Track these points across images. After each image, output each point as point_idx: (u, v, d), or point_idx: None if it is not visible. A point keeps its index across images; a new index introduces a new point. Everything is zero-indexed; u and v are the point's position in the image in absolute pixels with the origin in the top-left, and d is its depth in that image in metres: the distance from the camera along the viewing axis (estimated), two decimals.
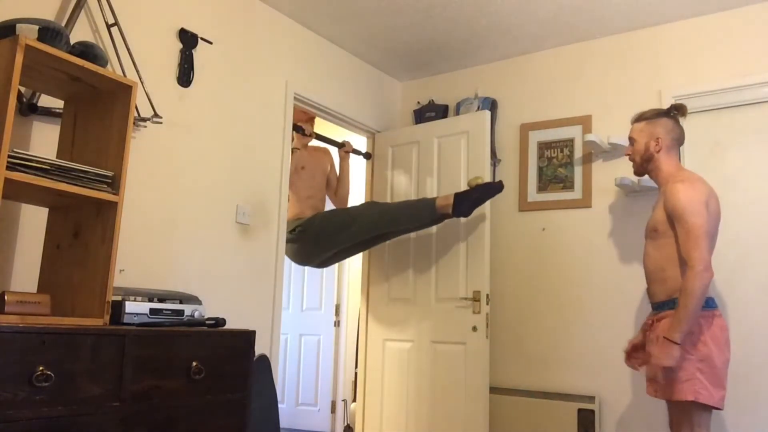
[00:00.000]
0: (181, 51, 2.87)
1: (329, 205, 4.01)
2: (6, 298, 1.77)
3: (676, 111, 2.68)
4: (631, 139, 2.70)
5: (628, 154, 2.73)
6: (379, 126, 4.14)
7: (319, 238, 3.49)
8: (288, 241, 3.46)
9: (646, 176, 3.12)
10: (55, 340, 1.68)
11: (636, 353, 2.64)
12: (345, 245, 3.51)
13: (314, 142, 3.93)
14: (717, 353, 2.33)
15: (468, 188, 3.29)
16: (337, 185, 4.03)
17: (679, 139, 2.65)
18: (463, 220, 3.57)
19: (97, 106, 2.14)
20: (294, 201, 3.63)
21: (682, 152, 3.27)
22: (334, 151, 4.07)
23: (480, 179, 3.26)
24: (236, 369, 2.20)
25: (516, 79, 3.89)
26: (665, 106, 3.32)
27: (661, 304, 2.49)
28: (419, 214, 3.36)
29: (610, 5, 3.25)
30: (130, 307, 2.08)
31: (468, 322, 3.47)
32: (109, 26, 2.52)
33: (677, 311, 2.33)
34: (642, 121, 2.68)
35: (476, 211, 3.51)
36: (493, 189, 3.30)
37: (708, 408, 2.33)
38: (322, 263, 3.78)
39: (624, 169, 3.36)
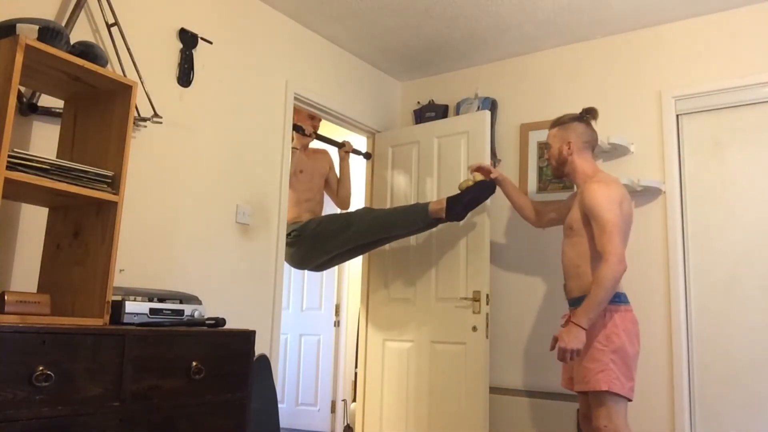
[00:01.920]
0: (181, 51, 2.87)
1: (329, 207, 4.00)
2: (6, 298, 1.77)
3: (588, 114, 2.83)
4: (547, 144, 2.87)
5: (546, 158, 2.87)
6: (379, 126, 4.14)
7: (314, 242, 3.50)
8: (285, 244, 3.47)
9: (650, 178, 3.16)
10: (55, 340, 1.68)
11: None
12: (340, 250, 3.52)
13: (314, 143, 3.93)
14: (629, 345, 2.47)
15: (459, 191, 3.25)
16: (338, 186, 4.03)
17: (591, 142, 2.80)
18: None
19: (97, 106, 2.14)
20: (292, 204, 3.63)
21: (683, 152, 3.30)
22: (333, 152, 4.06)
23: (470, 181, 3.23)
24: (236, 369, 2.20)
25: (516, 79, 3.88)
26: (665, 106, 3.34)
27: (576, 300, 2.61)
28: (413, 219, 3.36)
29: (610, 5, 3.25)
30: (130, 307, 2.08)
31: (468, 322, 3.47)
32: (109, 26, 2.52)
33: (587, 298, 2.46)
34: (556, 127, 2.84)
35: (476, 212, 3.52)
36: (485, 189, 3.25)
37: (623, 398, 2.44)
38: (319, 267, 3.79)
39: (624, 169, 3.37)
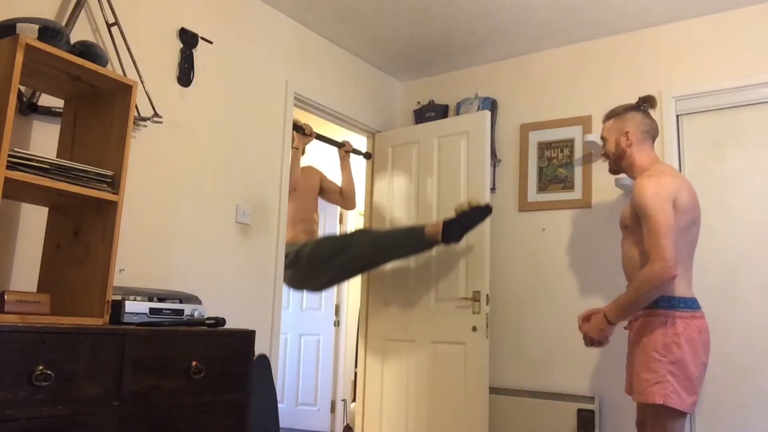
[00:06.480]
0: (181, 50, 2.87)
1: (332, 207, 3.95)
2: (6, 297, 1.77)
3: (645, 103, 2.64)
4: (603, 139, 2.65)
5: (603, 154, 2.68)
6: (379, 126, 4.14)
7: (310, 266, 3.49)
8: (284, 266, 3.44)
9: None
10: (55, 339, 1.68)
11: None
12: (336, 272, 3.55)
13: (309, 154, 3.89)
14: (691, 357, 2.25)
15: (455, 214, 3.24)
16: (342, 185, 4.00)
17: (651, 132, 2.58)
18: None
19: (97, 105, 2.14)
20: (288, 224, 3.56)
21: (683, 152, 3.30)
22: (333, 152, 4.04)
23: (466, 205, 3.22)
24: (236, 369, 2.20)
25: (516, 79, 3.89)
26: (665, 106, 3.34)
27: None
28: (409, 243, 3.40)
29: (610, 6, 3.25)
30: (130, 306, 2.08)
31: (468, 322, 3.47)
32: (109, 26, 2.52)
33: (622, 295, 2.32)
34: (611, 119, 2.63)
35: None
36: (481, 212, 3.25)
37: (681, 413, 2.27)
38: (317, 288, 3.85)
39: None
